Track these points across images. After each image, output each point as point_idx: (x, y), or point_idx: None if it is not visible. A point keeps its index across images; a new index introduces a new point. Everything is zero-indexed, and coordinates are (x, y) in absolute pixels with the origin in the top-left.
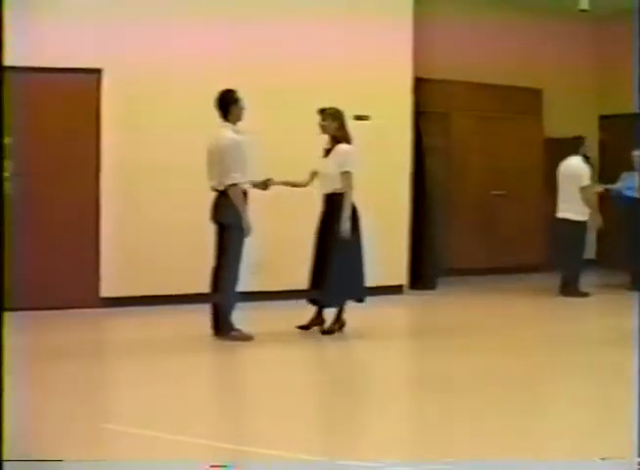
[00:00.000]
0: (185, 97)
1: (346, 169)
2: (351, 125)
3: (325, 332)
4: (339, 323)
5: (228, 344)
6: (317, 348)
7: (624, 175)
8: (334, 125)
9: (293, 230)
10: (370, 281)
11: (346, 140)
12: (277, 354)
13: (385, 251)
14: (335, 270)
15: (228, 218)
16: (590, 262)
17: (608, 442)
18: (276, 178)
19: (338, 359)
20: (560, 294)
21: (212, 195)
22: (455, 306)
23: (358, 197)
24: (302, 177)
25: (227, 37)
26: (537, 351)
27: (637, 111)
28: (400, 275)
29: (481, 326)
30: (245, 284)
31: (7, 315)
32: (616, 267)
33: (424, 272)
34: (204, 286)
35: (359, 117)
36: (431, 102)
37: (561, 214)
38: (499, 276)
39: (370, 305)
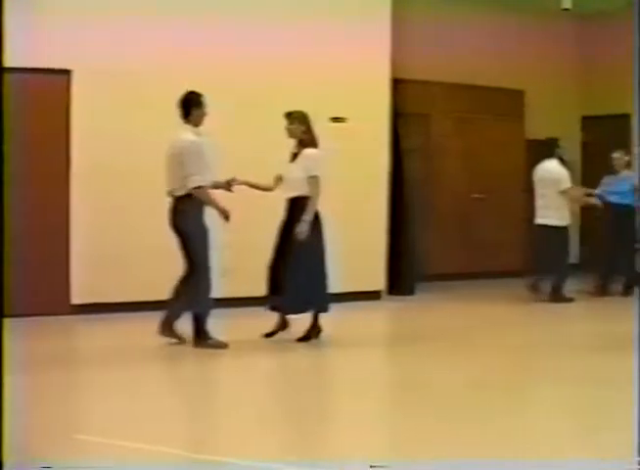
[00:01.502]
0: (157, 99)
1: (314, 174)
2: (328, 127)
3: (301, 339)
4: (315, 330)
5: (201, 352)
6: (291, 355)
7: (606, 179)
8: (300, 129)
9: (260, 236)
10: (346, 287)
11: (313, 144)
12: (250, 362)
13: (362, 256)
14: (296, 277)
15: (187, 226)
16: (573, 267)
17: (592, 444)
18: (240, 178)
19: (312, 366)
20: (548, 300)
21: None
22: (434, 312)
23: (334, 201)
24: (268, 181)
25: (200, 39)
26: (516, 356)
27: (636, 112)
28: (378, 281)
29: (460, 332)
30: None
31: None
32: (599, 272)
33: (402, 278)
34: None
35: (336, 119)
36: (409, 103)
37: (540, 220)
38: (479, 281)
39: (347, 312)
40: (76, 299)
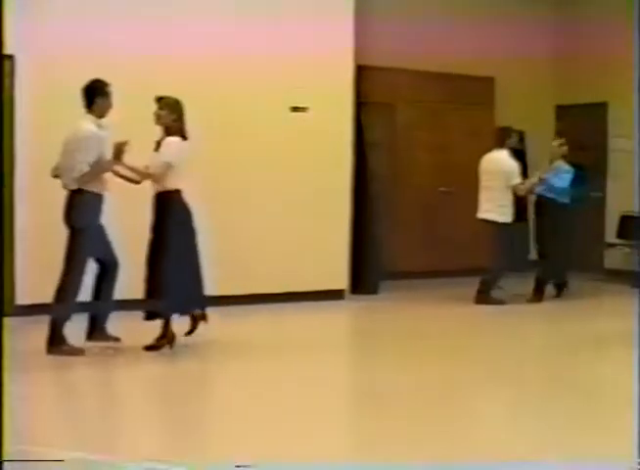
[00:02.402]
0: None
1: (166, 160)
2: (288, 117)
3: (148, 348)
4: (168, 338)
5: (147, 354)
6: (240, 359)
7: (538, 173)
8: (171, 117)
9: None
10: (308, 286)
11: (181, 134)
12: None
13: (324, 253)
14: (169, 276)
15: (78, 222)
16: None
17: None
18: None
19: (266, 368)
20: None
21: (136, 195)
22: (396, 313)
23: (295, 195)
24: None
25: (155, 31)
26: (479, 360)
27: (636, 110)
28: (341, 279)
29: (423, 333)
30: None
31: None
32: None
33: (366, 276)
34: (122, 292)
35: (296, 109)
36: (374, 92)
37: (482, 215)
38: (447, 279)
39: (308, 312)
40: (21, 299)
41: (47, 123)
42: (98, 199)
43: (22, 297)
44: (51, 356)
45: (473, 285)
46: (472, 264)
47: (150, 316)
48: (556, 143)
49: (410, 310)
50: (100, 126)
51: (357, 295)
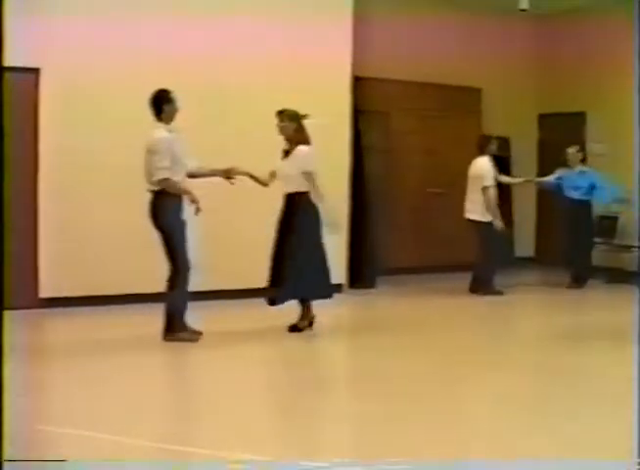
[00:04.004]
0: (124, 97)
1: (308, 170)
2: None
3: (293, 329)
4: (308, 319)
5: (170, 344)
6: (245, 347)
7: (559, 172)
8: (292, 127)
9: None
10: None
11: (305, 141)
12: (215, 354)
13: None
14: (296, 267)
15: (163, 220)
16: (528, 260)
17: (542, 441)
18: (240, 168)
19: (269, 358)
20: (469, 292)
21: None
22: (394, 306)
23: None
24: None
25: (166, 37)
26: (472, 349)
27: (636, 112)
28: (340, 274)
29: (416, 322)
30: (197, 283)
31: None
32: (554, 265)
33: (363, 271)
34: (142, 286)
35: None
36: (370, 101)
37: (468, 215)
38: (438, 275)
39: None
40: (44, 292)
41: (68, 131)
42: (178, 197)
43: (45, 290)
44: (86, 345)
45: (461, 279)
46: (461, 260)
47: (273, 302)
48: (572, 150)
49: (405, 302)
50: (170, 131)
51: (355, 289)
